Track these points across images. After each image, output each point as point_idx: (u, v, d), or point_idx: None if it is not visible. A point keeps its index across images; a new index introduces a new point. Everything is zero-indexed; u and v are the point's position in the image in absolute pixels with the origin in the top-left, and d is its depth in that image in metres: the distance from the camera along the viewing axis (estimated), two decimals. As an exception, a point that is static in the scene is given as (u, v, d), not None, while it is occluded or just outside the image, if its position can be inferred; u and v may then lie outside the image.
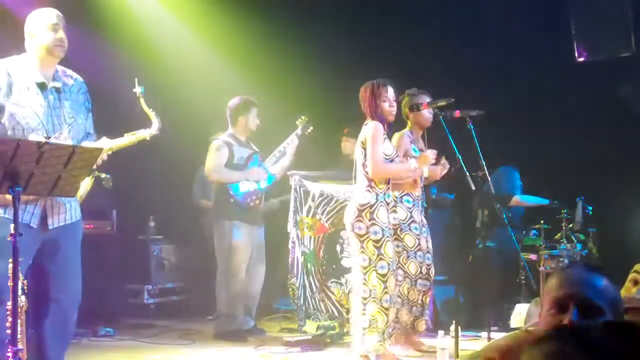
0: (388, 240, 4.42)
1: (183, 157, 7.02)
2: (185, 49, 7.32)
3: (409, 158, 4.82)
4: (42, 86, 3.48)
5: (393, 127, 4.73)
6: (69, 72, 3.68)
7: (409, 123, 5.18)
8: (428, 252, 5.01)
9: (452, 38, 7.09)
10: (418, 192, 5.02)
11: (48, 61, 3.53)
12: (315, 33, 7.20)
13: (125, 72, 6.18)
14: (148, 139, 3.63)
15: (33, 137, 3.33)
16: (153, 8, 7.05)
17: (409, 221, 4.91)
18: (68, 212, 3.55)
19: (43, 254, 3.49)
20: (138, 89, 3.67)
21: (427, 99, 4.97)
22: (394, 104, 4.59)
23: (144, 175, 7.05)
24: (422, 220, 5.02)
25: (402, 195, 4.95)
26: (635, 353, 0.92)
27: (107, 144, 3.59)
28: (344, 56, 7.27)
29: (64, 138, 3.46)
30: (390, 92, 4.55)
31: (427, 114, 5.06)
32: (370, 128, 4.46)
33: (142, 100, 3.67)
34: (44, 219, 3.46)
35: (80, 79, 3.70)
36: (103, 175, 3.60)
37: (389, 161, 4.50)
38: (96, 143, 3.57)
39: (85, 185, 3.58)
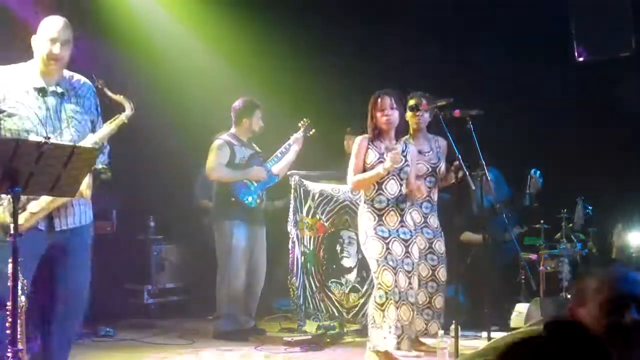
0: (394, 240, 4.52)
1: (183, 158, 7.02)
2: (185, 50, 7.32)
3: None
4: (41, 91, 3.52)
5: (403, 132, 4.81)
6: (78, 76, 3.71)
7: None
8: (431, 252, 5.00)
9: (452, 38, 7.08)
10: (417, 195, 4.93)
11: (48, 69, 3.56)
12: (316, 32, 7.20)
13: (126, 73, 6.21)
14: (126, 121, 3.63)
15: (33, 137, 3.34)
16: (153, 9, 7.05)
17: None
18: (77, 215, 3.55)
19: (52, 258, 3.49)
20: (99, 82, 3.68)
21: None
22: (389, 112, 4.60)
23: (144, 175, 7.04)
24: (422, 222, 5.00)
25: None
26: None
27: (93, 138, 3.57)
28: (345, 56, 7.26)
29: (66, 140, 3.47)
30: (385, 101, 4.60)
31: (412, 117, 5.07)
32: (354, 143, 4.66)
33: (106, 91, 3.68)
34: (50, 221, 3.47)
35: (89, 83, 3.74)
36: (100, 167, 3.58)
37: (371, 168, 4.56)
38: (84, 140, 3.56)
39: (86, 181, 3.55)
